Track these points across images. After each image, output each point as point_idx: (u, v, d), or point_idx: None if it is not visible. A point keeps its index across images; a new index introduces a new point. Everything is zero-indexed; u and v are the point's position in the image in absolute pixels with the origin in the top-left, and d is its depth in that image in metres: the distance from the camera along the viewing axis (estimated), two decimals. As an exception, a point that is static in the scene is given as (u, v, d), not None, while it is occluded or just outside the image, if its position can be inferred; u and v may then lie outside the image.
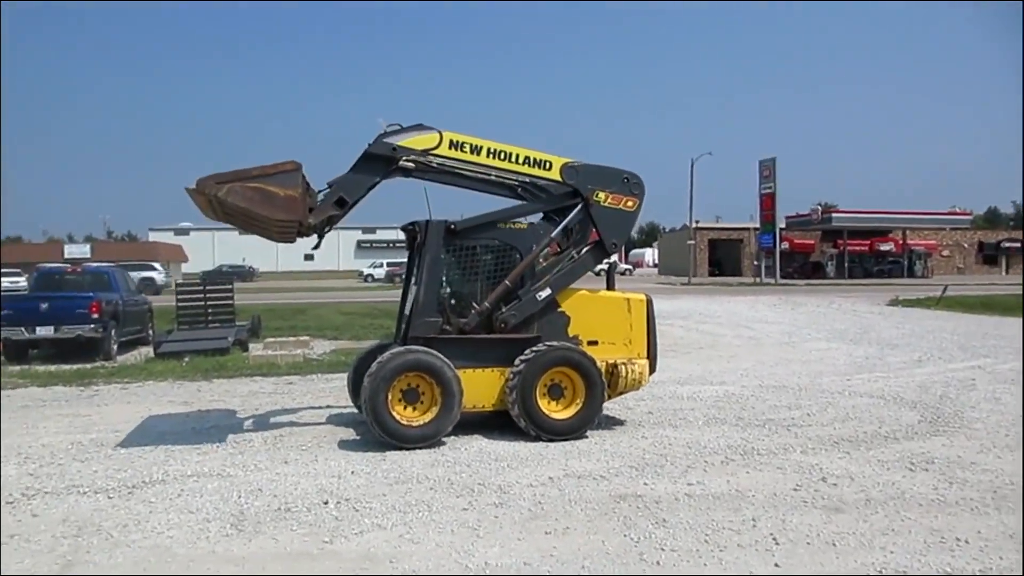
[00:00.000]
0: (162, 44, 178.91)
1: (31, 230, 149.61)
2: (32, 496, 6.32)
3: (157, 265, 54.53)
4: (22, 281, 47.80)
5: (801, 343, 17.54)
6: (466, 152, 8.32)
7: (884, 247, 67.85)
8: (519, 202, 8.61)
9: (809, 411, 9.60)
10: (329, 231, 8.50)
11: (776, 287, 48.09)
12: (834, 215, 64.10)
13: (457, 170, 8.43)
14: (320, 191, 8.10)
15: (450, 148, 8.27)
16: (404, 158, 8.13)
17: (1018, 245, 71.78)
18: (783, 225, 61.72)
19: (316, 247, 8.92)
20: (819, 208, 67.57)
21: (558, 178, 8.52)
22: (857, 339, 18.06)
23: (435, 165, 8.32)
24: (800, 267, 64.86)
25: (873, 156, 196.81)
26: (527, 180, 8.53)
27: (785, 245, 61.95)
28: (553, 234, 8.58)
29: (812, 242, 68.13)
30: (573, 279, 8.61)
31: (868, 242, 67.30)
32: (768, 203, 57.14)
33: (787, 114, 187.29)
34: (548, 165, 8.52)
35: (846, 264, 64.12)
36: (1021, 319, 21.31)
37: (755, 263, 62.10)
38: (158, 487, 6.53)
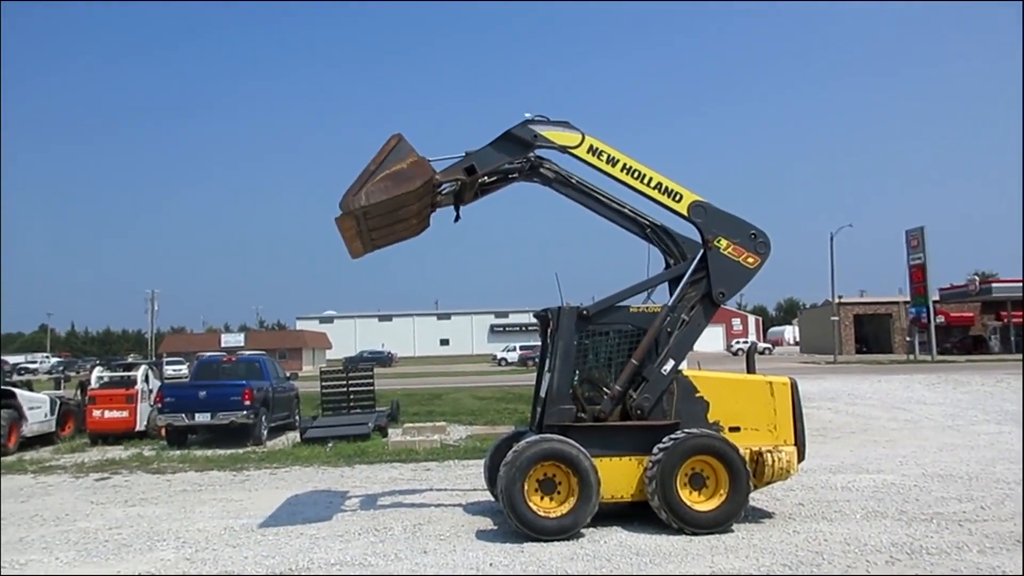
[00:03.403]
0: (312, 148, 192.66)
1: (193, 321, 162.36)
2: (188, 582, 6.60)
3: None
4: (184, 368, 51.94)
5: (967, 426, 16.14)
6: (602, 160, 8.31)
7: (1055, 317, 62.18)
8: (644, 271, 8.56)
9: (983, 504, 8.74)
10: (465, 202, 8.68)
11: (933, 364, 44.77)
12: (994, 285, 59.76)
13: (595, 193, 8.54)
14: (453, 156, 8.25)
15: (588, 152, 8.29)
16: (545, 166, 8.52)
17: None
18: (936, 297, 57.95)
19: (456, 219, 8.90)
20: (976, 278, 63.08)
21: (685, 212, 8.33)
22: (1033, 421, 16.41)
23: (575, 182, 8.51)
24: (959, 342, 60.34)
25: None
26: (658, 224, 8.55)
27: (940, 319, 58.00)
28: (672, 300, 8.32)
29: (971, 315, 63.43)
30: (692, 341, 8.31)
31: (1036, 312, 61.93)
32: (918, 275, 54.11)
33: (931, 180, 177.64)
34: (678, 197, 8.35)
35: (1012, 337, 59.06)
36: None
37: (907, 339, 58.31)
38: None
